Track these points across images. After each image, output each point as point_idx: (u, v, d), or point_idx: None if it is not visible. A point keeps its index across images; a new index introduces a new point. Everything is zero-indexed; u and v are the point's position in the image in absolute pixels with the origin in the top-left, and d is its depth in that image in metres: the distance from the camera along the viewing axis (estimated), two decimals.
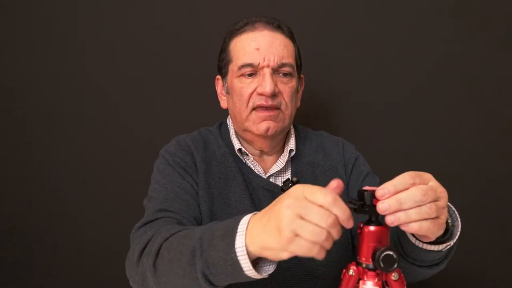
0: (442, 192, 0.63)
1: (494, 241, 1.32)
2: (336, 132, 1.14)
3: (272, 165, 1.00)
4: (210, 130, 1.06)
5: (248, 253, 0.63)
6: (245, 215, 0.66)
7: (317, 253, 0.58)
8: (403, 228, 0.60)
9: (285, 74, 0.94)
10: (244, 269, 0.64)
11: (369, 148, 1.30)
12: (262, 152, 1.01)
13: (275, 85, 0.93)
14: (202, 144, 1.00)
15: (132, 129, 1.39)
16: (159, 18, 1.36)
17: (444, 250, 0.73)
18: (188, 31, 1.34)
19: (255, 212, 0.66)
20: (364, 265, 0.64)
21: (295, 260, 0.89)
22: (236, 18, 0.99)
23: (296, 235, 0.57)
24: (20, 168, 1.44)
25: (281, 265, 0.86)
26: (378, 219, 0.63)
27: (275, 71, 0.93)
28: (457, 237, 0.72)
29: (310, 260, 0.92)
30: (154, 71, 1.37)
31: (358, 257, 0.65)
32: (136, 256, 0.75)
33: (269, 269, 0.67)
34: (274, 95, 0.92)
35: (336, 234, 0.58)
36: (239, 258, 0.63)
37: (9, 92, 1.42)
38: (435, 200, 0.61)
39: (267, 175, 0.99)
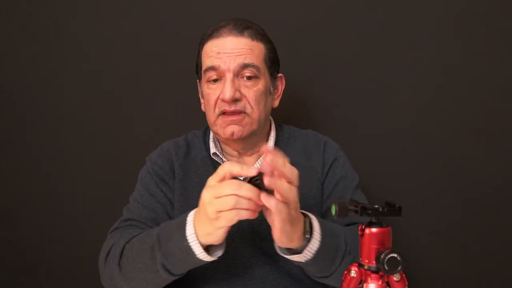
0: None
1: (494, 241, 1.33)
2: (330, 133, 1.14)
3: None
4: (196, 134, 1.09)
5: (198, 240, 0.75)
6: (191, 211, 0.79)
7: (246, 216, 0.71)
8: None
9: (249, 78, 0.94)
10: (196, 253, 0.76)
11: (364, 148, 1.32)
12: (240, 153, 1.03)
13: (238, 89, 0.93)
14: (184, 149, 1.04)
15: (132, 129, 1.39)
16: (160, 18, 1.36)
17: (301, 261, 0.80)
18: (190, 30, 1.34)
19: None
20: (366, 267, 0.64)
21: (271, 258, 0.94)
22: (227, 18, 0.99)
23: (219, 212, 0.70)
24: (20, 168, 1.43)
25: (259, 262, 0.96)
26: (380, 221, 0.64)
27: (238, 75, 0.94)
28: (310, 253, 0.79)
29: (286, 260, 0.90)
30: (154, 71, 1.37)
31: (360, 258, 0.65)
32: (103, 258, 0.88)
33: (218, 253, 0.79)
34: (236, 100, 0.93)
35: (245, 191, 0.69)
36: (190, 244, 0.75)
37: (9, 91, 1.42)
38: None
39: (243, 177, 1.00)
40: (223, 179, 0.72)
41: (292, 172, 0.71)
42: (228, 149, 1.03)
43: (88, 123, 1.41)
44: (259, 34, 0.97)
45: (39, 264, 1.45)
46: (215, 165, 1.01)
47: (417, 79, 1.32)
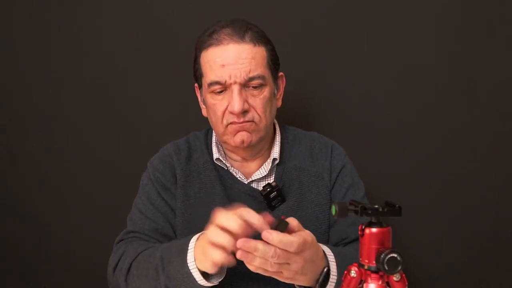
0: (298, 262, 0.72)
1: (494, 241, 1.33)
2: (331, 133, 1.14)
3: (256, 170, 1.01)
4: (198, 136, 1.07)
5: (198, 266, 0.77)
6: (194, 235, 0.81)
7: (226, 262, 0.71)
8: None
9: (255, 87, 0.93)
10: (197, 279, 0.78)
11: (364, 148, 1.31)
12: (244, 159, 1.02)
13: (246, 100, 0.92)
14: (186, 153, 1.03)
15: (133, 129, 1.39)
16: (159, 20, 1.36)
17: None
18: (189, 31, 1.34)
19: (202, 232, 0.79)
20: (366, 267, 0.64)
21: None
22: (234, 17, 0.98)
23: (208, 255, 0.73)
24: (21, 170, 1.43)
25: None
26: (380, 221, 0.64)
27: (244, 85, 0.92)
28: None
29: None
30: (153, 72, 1.37)
31: (360, 258, 0.65)
32: (111, 270, 0.92)
33: (219, 278, 0.81)
34: (244, 111, 0.92)
35: (225, 242, 0.70)
36: (191, 271, 0.77)
37: (9, 91, 1.42)
38: (286, 262, 0.72)
39: (248, 181, 1.00)
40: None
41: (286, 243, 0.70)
42: (232, 154, 1.02)
43: (88, 125, 1.40)
44: (260, 37, 0.95)
45: (39, 264, 1.45)
46: (218, 170, 1.00)
47: (417, 79, 1.32)
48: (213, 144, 1.03)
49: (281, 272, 0.73)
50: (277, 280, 0.93)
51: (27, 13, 1.39)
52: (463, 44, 1.30)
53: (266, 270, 0.72)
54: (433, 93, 1.32)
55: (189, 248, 0.79)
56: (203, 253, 0.76)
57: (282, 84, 1.05)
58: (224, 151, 1.03)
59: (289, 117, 1.19)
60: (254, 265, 0.71)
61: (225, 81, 0.91)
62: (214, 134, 1.04)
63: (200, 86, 1.01)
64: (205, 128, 1.09)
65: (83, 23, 1.38)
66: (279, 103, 1.04)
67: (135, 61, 1.37)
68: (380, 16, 1.31)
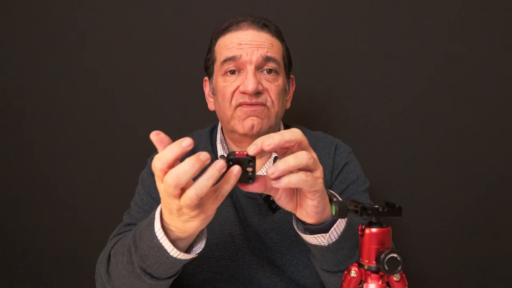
0: (320, 171, 0.65)
1: (494, 241, 1.33)
2: (336, 132, 1.14)
3: (259, 169, 0.98)
4: (201, 134, 1.05)
5: (168, 235, 0.65)
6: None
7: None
8: (276, 185, 0.60)
9: (269, 71, 0.91)
10: (168, 250, 0.66)
11: (364, 148, 1.32)
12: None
13: (260, 82, 0.90)
14: (189, 151, 0.99)
15: (133, 129, 1.39)
16: (162, 17, 1.36)
17: (324, 244, 0.71)
18: (190, 30, 1.34)
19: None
20: (366, 267, 0.64)
21: (277, 268, 0.92)
22: (234, 16, 0.98)
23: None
24: (19, 167, 1.43)
25: (266, 273, 0.91)
26: (380, 221, 0.64)
27: (259, 68, 0.91)
28: (337, 233, 0.71)
29: (293, 270, 0.92)
30: (155, 71, 1.37)
31: (360, 258, 0.65)
32: (96, 267, 0.83)
33: (197, 249, 0.70)
34: (258, 92, 0.89)
35: (169, 179, 0.57)
36: (160, 241, 0.66)
37: (8, 91, 1.42)
38: (313, 169, 0.63)
39: None
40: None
41: (293, 133, 0.61)
42: (237, 150, 1.00)
43: (88, 124, 1.41)
44: (278, 32, 0.96)
45: (38, 264, 1.45)
46: None
47: (418, 79, 1.32)
48: (218, 141, 1.01)
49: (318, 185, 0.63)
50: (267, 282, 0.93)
51: (27, 12, 1.39)
52: (469, 47, 1.31)
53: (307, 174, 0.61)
54: (435, 93, 1.32)
55: (155, 216, 0.67)
56: (166, 205, 0.61)
57: (292, 86, 1.05)
58: (228, 148, 1.01)
59: (294, 117, 1.19)
60: (288, 176, 0.60)
61: (241, 56, 0.89)
62: (219, 131, 1.02)
63: (211, 76, 0.99)
64: (209, 127, 1.08)
65: (83, 22, 1.38)
66: (288, 104, 1.03)
67: (137, 60, 1.38)
68: (388, 16, 1.32)
